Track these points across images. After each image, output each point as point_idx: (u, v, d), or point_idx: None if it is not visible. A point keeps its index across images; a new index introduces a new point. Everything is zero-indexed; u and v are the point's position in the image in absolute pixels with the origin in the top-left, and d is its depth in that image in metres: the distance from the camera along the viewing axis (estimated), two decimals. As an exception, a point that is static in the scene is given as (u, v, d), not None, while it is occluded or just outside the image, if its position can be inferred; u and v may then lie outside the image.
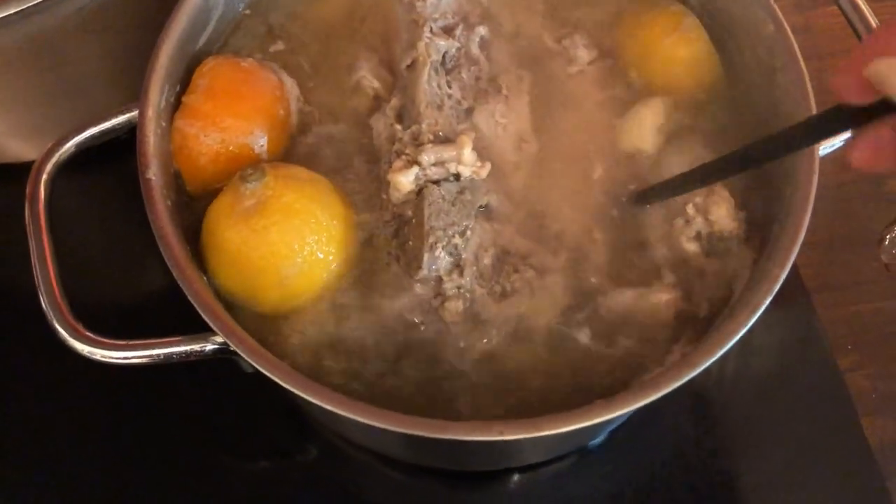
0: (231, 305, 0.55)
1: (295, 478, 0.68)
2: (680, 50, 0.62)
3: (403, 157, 0.55)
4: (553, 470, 0.69)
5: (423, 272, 0.54)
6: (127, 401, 0.69)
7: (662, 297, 0.55)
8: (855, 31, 0.60)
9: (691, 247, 0.56)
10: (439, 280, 0.55)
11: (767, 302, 0.49)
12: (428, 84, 0.57)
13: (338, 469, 0.68)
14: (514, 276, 0.56)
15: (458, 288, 0.54)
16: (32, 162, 0.75)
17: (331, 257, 0.54)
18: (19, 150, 0.75)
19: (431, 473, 0.68)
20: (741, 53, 0.61)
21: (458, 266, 0.55)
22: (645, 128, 0.60)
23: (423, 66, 0.57)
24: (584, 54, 0.63)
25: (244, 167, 0.54)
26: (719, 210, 0.56)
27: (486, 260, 0.56)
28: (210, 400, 0.69)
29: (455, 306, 0.54)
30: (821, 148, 0.54)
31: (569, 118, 0.61)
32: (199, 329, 0.51)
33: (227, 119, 0.56)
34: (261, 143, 0.57)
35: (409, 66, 0.58)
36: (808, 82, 0.55)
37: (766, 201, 0.57)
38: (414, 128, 0.56)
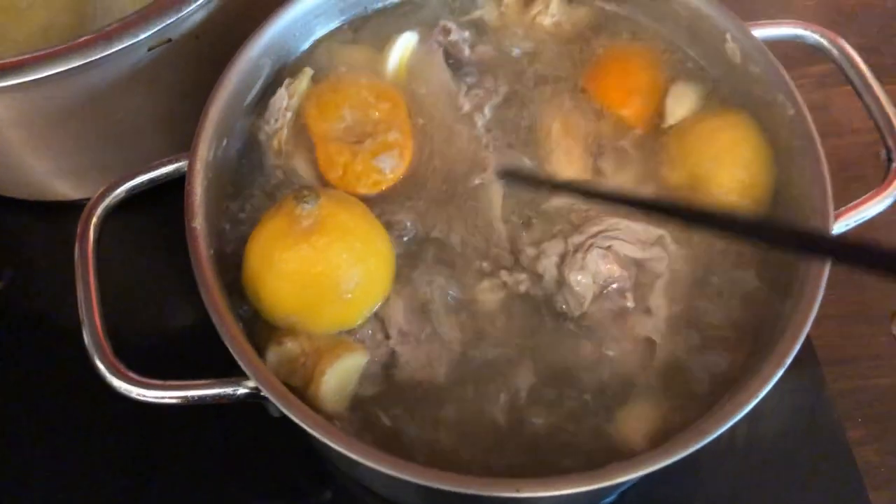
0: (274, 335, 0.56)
1: (308, 521, 0.69)
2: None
3: None
4: (562, 527, 0.69)
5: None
6: (149, 435, 0.71)
7: None
8: (868, 111, 0.62)
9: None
10: None
11: (780, 374, 0.51)
12: None
13: (351, 513, 0.69)
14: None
15: None
16: (73, 202, 0.79)
17: (384, 272, 0.57)
18: (63, 189, 0.78)
19: (441, 523, 0.69)
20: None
21: None
22: None
23: None
24: None
25: (297, 188, 0.57)
26: None
27: None
28: (229, 438, 0.71)
29: None
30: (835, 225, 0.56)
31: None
32: (226, 371, 0.53)
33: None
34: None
35: None
36: (825, 164, 0.57)
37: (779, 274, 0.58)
38: None
